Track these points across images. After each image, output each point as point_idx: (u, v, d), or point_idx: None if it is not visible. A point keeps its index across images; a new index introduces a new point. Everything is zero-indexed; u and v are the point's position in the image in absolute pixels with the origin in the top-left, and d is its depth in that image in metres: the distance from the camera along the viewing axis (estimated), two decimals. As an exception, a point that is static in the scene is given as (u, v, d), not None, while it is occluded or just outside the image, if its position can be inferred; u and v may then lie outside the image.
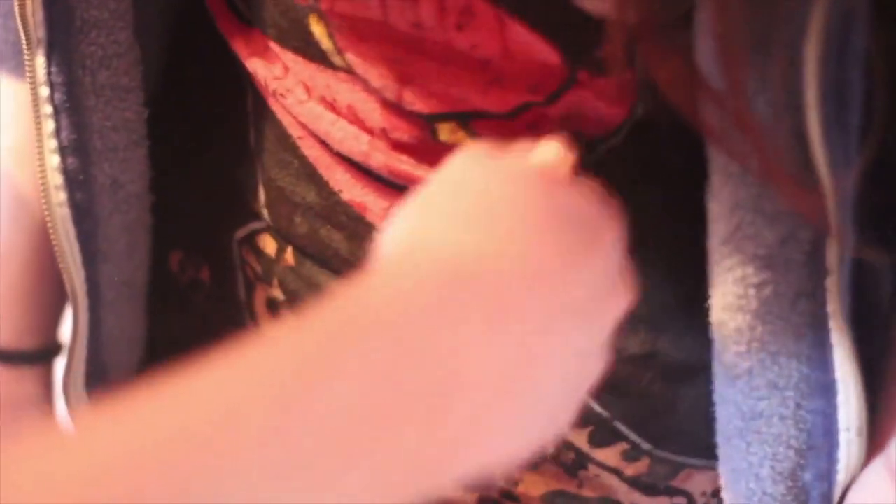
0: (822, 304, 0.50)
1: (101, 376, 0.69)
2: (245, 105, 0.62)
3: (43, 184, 0.60)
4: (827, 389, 0.52)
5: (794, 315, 0.51)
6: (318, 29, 0.54)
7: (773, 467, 0.53)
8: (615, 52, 0.48)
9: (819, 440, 0.53)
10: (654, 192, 0.55)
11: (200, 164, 0.66)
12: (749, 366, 0.52)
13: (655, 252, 0.56)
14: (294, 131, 0.59)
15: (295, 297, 0.62)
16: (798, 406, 0.52)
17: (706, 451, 0.60)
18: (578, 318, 0.45)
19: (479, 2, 0.49)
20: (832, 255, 0.49)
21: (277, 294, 0.63)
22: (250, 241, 0.64)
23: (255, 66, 0.59)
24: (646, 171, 0.54)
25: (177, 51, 0.64)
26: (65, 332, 0.70)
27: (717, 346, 0.52)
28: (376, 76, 0.53)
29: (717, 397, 0.54)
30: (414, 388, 0.39)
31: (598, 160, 0.54)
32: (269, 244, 0.63)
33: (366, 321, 0.39)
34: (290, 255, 0.62)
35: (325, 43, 0.54)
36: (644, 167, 0.54)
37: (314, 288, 0.61)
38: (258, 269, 0.64)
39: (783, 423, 0.53)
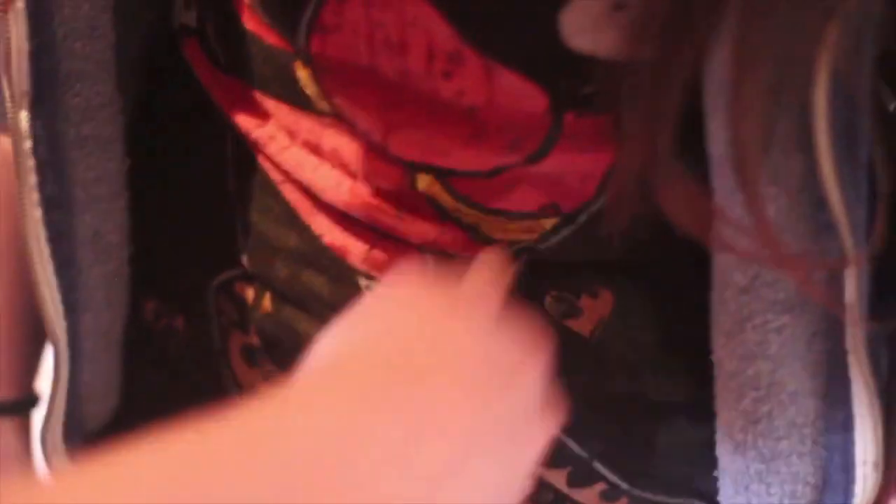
0: (838, 341, 0.51)
1: (78, 427, 0.69)
2: (225, 151, 0.62)
3: (27, 235, 0.60)
4: (844, 424, 0.53)
5: (811, 354, 0.51)
6: (303, 74, 0.54)
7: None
8: (607, 91, 0.48)
9: (836, 475, 0.54)
10: (640, 244, 0.55)
11: (177, 212, 0.66)
12: (769, 409, 0.52)
13: (636, 294, 0.56)
14: (276, 176, 0.59)
15: (272, 344, 0.62)
16: (815, 443, 0.53)
17: (685, 490, 0.60)
18: (492, 457, 0.46)
19: (468, 49, 0.50)
20: (851, 289, 0.50)
21: (254, 341, 0.63)
22: (227, 288, 0.64)
23: (237, 115, 0.59)
24: (632, 227, 0.55)
25: (154, 100, 0.65)
26: (41, 383, 0.69)
27: (734, 394, 0.53)
28: (362, 120, 0.54)
29: (727, 446, 0.54)
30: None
31: (577, 230, 0.55)
32: (246, 291, 0.63)
33: (272, 436, 0.40)
34: (268, 302, 0.62)
35: (311, 88, 0.55)
36: (629, 224, 0.55)
37: (292, 334, 0.61)
38: (234, 316, 0.64)
39: (801, 460, 0.53)
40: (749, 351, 0.52)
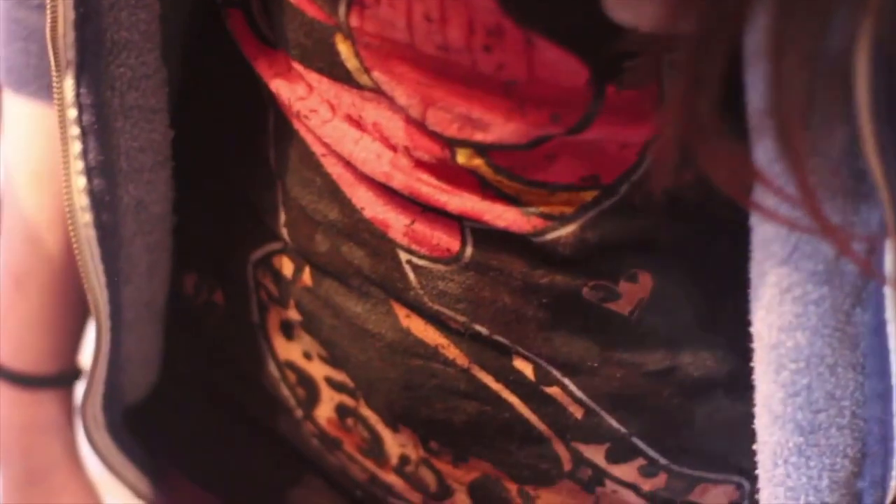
0: (877, 312, 0.51)
1: (117, 399, 0.70)
2: (266, 125, 0.62)
3: (69, 205, 0.60)
4: (883, 396, 0.53)
5: (850, 326, 0.51)
6: (344, 48, 0.54)
7: (830, 477, 0.54)
8: (648, 63, 0.48)
9: (874, 447, 0.54)
10: (677, 217, 0.55)
11: (218, 186, 0.66)
12: (808, 381, 0.52)
13: (676, 272, 0.56)
14: (317, 149, 0.59)
15: (311, 318, 0.63)
16: (854, 415, 0.53)
17: (723, 465, 0.60)
18: None
19: (508, 22, 0.50)
20: (891, 261, 0.50)
21: (293, 315, 0.64)
22: (266, 262, 0.64)
23: (279, 86, 0.59)
24: (671, 199, 0.55)
25: (197, 72, 0.65)
26: (84, 357, 0.70)
27: (773, 366, 0.53)
28: (402, 95, 0.54)
29: (766, 419, 0.54)
30: None
31: (620, 201, 0.55)
32: (285, 265, 0.63)
33: None
34: (307, 276, 0.62)
35: (352, 62, 0.55)
36: (670, 194, 0.55)
37: (331, 308, 0.61)
38: (273, 290, 0.64)
39: (840, 433, 0.53)
40: (788, 322, 0.51)
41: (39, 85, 0.65)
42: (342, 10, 0.53)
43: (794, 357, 0.52)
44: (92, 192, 0.60)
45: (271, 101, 0.61)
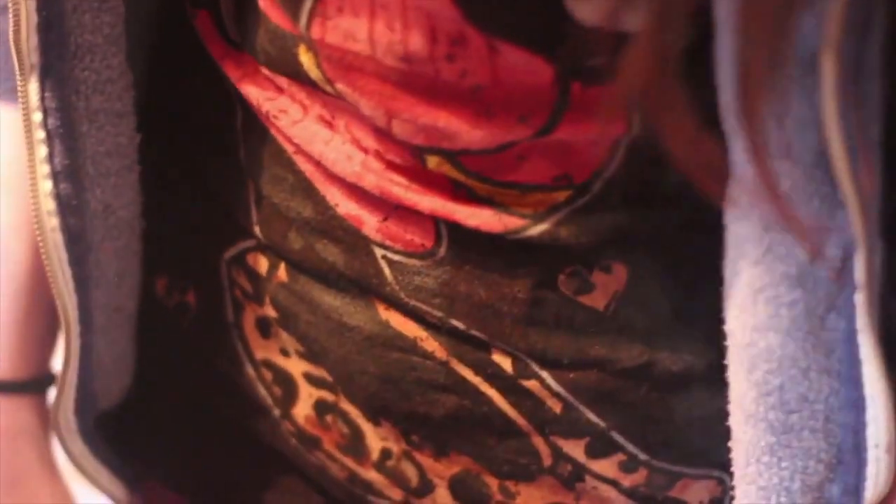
0: (852, 320, 0.51)
1: (90, 404, 0.69)
2: (234, 123, 0.62)
3: (35, 209, 0.59)
4: (856, 405, 0.53)
5: (823, 331, 0.51)
6: (306, 59, 0.54)
7: (803, 480, 0.54)
8: (612, 60, 0.48)
9: (848, 455, 0.54)
10: (651, 211, 0.55)
11: (187, 186, 0.66)
12: (780, 382, 0.52)
13: (651, 265, 0.56)
14: (288, 147, 0.59)
15: (288, 314, 0.62)
16: (827, 419, 0.53)
17: (703, 460, 0.60)
18: None
19: (471, 30, 0.49)
20: (861, 270, 0.50)
21: (269, 312, 0.63)
22: (240, 259, 0.64)
23: (247, 88, 0.59)
24: (644, 194, 0.55)
25: (162, 73, 0.65)
26: (56, 363, 0.69)
27: (746, 365, 0.53)
28: (365, 106, 0.53)
29: (739, 418, 0.54)
30: None
31: (593, 199, 0.54)
32: (260, 262, 0.63)
33: None
34: (282, 272, 0.62)
35: (315, 73, 0.54)
36: (642, 190, 0.55)
37: (308, 303, 0.61)
38: (248, 288, 0.64)
39: (813, 435, 0.53)
40: (761, 323, 0.51)
41: (4, 88, 0.64)
42: (304, 20, 0.52)
43: (766, 357, 0.52)
44: (58, 197, 0.59)
45: (239, 99, 0.60)
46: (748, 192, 0.48)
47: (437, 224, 0.57)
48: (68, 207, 0.60)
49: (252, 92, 0.58)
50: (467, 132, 0.52)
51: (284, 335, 0.63)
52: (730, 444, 0.55)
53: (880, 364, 0.52)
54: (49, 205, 0.59)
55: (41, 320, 0.68)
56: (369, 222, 0.58)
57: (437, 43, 0.50)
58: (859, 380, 0.52)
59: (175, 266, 0.68)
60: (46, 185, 0.59)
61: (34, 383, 0.70)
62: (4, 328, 0.68)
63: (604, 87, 0.51)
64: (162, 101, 0.65)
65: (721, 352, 0.54)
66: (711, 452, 0.59)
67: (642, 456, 0.59)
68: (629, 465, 0.60)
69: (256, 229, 0.62)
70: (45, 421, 0.70)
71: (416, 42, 0.50)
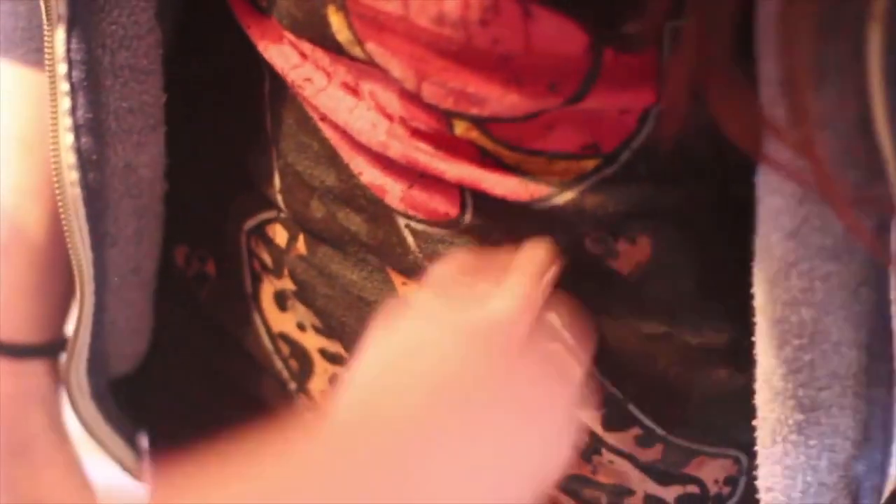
0: (883, 292, 0.50)
1: (102, 366, 0.69)
2: (262, 89, 0.61)
3: (56, 162, 0.60)
4: (887, 380, 0.53)
5: (856, 304, 0.51)
6: (336, 19, 0.54)
7: (830, 458, 0.54)
8: (649, 27, 0.48)
9: (875, 431, 0.53)
10: (678, 184, 0.55)
11: (211, 154, 0.66)
12: (811, 358, 0.52)
13: (676, 239, 0.56)
14: (315, 114, 0.59)
15: (305, 288, 0.62)
16: (856, 395, 0.53)
17: (721, 439, 0.60)
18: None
19: None
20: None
21: (287, 285, 0.63)
22: (260, 231, 0.64)
23: (272, 54, 0.59)
24: (671, 167, 0.54)
25: (191, 37, 0.64)
26: (71, 325, 0.69)
27: (776, 341, 0.52)
28: (396, 68, 0.53)
29: (767, 394, 0.54)
30: None
31: (620, 169, 0.54)
32: (279, 233, 0.63)
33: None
34: (301, 244, 0.62)
35: (344, 34, 0.54)
36: (669, 163, 0.54)
37: (326, 277, 0.61)
38: (267, 260, 0.64)
39: (842, 412, 0.53)
40: (793, 298, 0.51)
41: (28, 48, 0.64)
42: None
43: (797, 333, 0.52)
44: (79, 151, 0.59)
45: (266, 66, 0.60)
46: (787, 161, 0.48)
47: (463, 193, 0.56)
48: (89, 162, 0.60)
49: (277, 59, 0.58)
50: (497, 99, 0.52)
51: (302, 309, 0.63)
52: (754, 422, 0.55)
53: None
54: (70, 158, 0.59)
55: (56, 285, 0.68)
56: (393, 191, 0.57)
57: (471, 7, 0.50)
58: (889, 354, 0.52)
59: (195, 235, 0.68)
60: (68, 139, 0.59)
61: (48, 347, 0.69)
62: (19, 291, 0.67)
63: (637, 56, 0.51)
64: (191, 63, 0.65)
65: (744, 328, 0.54)
66: (729, 431, 0.59)
67: (659, 431, 0.59)
68: (646, 440, 0.59)
69: (279, 198, 0.62)
70: (58, 387, 0.70)
71: (450, 4, 0.50)
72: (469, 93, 0.52)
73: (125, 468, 0.74)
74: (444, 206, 0.57)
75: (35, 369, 0.69)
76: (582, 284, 0.57)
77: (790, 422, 0.53)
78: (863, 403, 0.53)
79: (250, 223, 0.64)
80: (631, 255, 0.56)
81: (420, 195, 0.57)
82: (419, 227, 0.58)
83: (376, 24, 0.52)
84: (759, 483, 0.56)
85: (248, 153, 0.63)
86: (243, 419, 0.69)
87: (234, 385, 0.69)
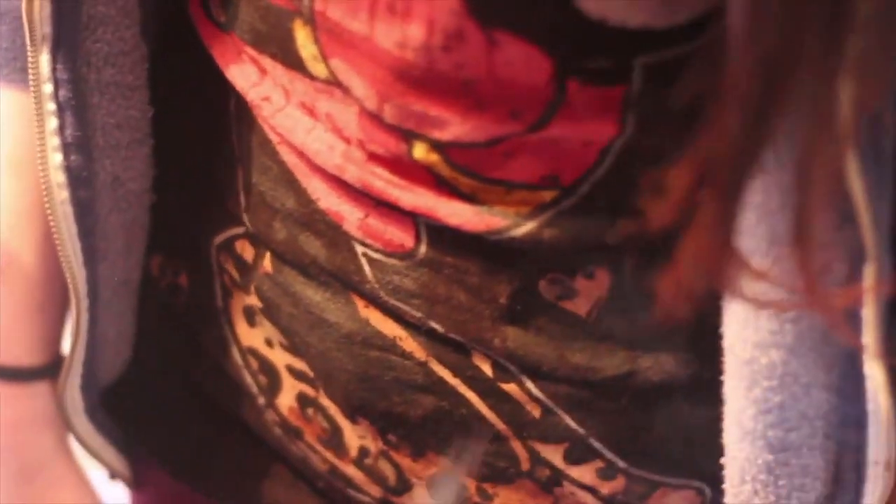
0: (857, 336, 0.49)
1: (94, 379, 0.68)
2: (228, 107, 0.61)
3: (45, 182, 0.59)
4: (857, 422, 0.52)
5: (826, 346, 0.50)
6: (302, 34, 0.53)
7: (799, 499, 0.53)
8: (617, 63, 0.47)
9: (847, 473, 0.53)
10: (638, 217, 0.54)
11: (186, 167, 0.65)
12: (781, 399, 0.51)
13: (636, 273, 0.55)
14: (273, 136, 0.58)
15: (271, 305, 0.62)
16: (827, 436, 0.52)
17: (683, 470, 0.59)
18: None
19: (471, 25, 0.48)
20: (869, 275, 0.48)
21: (254, 301, 0.63)
22: (228, 246, 0.63)
23: (233, 74, 0.58)
24: (632, 199, 0.53)
25: (169, 52, 0.64)
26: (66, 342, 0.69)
27: (745, 382, 0.51)
28: (359, 86, 0.52)
29: (735, 435, 0.53)
30: None
31: (579, 201, 0.53)
32: (247, 250, 0.62)
33: None
34: (268, 262, 0.61)
35: (309, 49, 0.53)
36: (631, 195, 0.53)
37: (290, 296, 0.61)
38: (235, 275, 0.64)
39: (812, 453, 0.52)
40: (763, 339, 0.50)
41: (12, 68, 0.64)
42: None
43: (767, 374, 0.51)
44: (69, 169, 0.59)
45: (232, 85, 0.60)
46: (767, 280, 0.47)
47: (418, 224, 0.56)
48: (78, 179, 0.59)
49: (238, 78, 0.58)
50: (458, 123, 0.51)
51: (269, 325, 0.63)
52: (722, 460, 0.54)
53: (884, 380, 0.50)
54: (59, 177, 0.59)
55: (56, 303, 0.68)
56: (350, 218, 0.57)
57: (434, 33, 0.49)
58: (860, 396, 0.51)
59: (169, 246, 0.68)
60: (56, 158, 0.59)
61: (50, 368, 0.69)
62: (19, 315, 0.67)
63: (602, 88, 0.50)
64: (170, 77, 0.64)
65: (704, 360, 0.53)
66: (691, 462, 0.59)
67: (621, 464, 0.59)
68: (607, 473, 0.59)
69: (244, 217, 0.62)
70: (61, 406, 0.70)
71: (414, 28, 0.49)
72: (431, 116, 0.52)
73: (117, 475, 0.74)
74: (399, 236, 0.56)
75: (40, 391, 0.69)
76: (538, 333, 0.56)
77: (759, 461, 0.53)
78: (833, 444, 0.52)
79: (220, 238, 0.64)
80: (589, 291, 0.55)
81: (376, 224, 0.56)
82: (376, 255, 0.57)
83: (342, 42, 0.52)
84: None
85: (217, 170, 0.63)
86: (217, 429, 0.70)
87: (208, 396, 0.69)
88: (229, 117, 0.61)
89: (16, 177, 0.65)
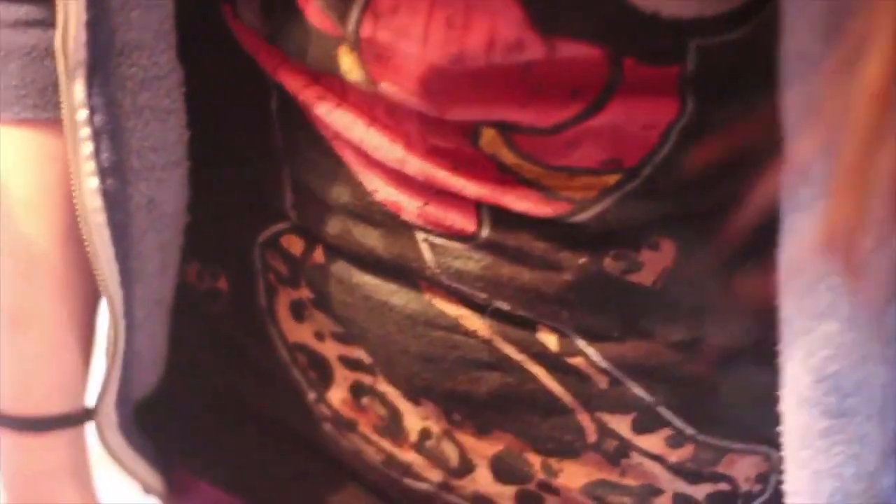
0: None
1: (128, 396, 0.68)
2: (269, 108, 0.61)
3: (80, 207, 0.59)
4: None
5: (884, 320, 0.50)
6: (347, 60, 0.54)
7: (856, 467, 0.53)
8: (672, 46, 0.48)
9: None
10: (703, 194, 0.55)
11: (220, 174, 0.65)
12: (837, 368, 0.51)
13: (700, 240, 0.55)
14: (327, 133, 0.58)
15: (324, 296, 0.61)
16: (883, 408, 0.52)
17: (750, 435, 0.59)
18: None
19: (531, 34, 0.49)
20: None
21: (305, 294, 0.62)
22: (274, 242, 0.63)
23: (284, 77, 0.58)
24: (695, 179, 0.54)
25: (195, 59, 0.64)
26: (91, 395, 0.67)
27: (802, 351, 0.52)
28: (414, 102, 0.53)
29: (792, 402, 0.53)
30: None
31: (642, 184, 0.54)
32: (294, 243, 0.62)
33: None
34: (319, 254, 0.61)
35: (356, 73, 0.54)
36: (693, 175, 0.54)
37: (346, 285, 0.60)
38: (283, 270, 0.63)
39: (868, 422, 0.52)
40: (821, 310, 0.51)
41: (22, 106, 0.62)
42: (353, 18, 0.52)
43: (824, 344, 0.51)
44: (105, 192, 0.59)
45: (274, 84, 0.60)
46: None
47: (479, 209, 0.56)
48: (115, 203, 0.59)
49: (289, 81, 0.58)
50: (520, 107, 0.52)
51: (320, 317, 0.62)
52: (780, 428, 0.54)
53: None
54: (95, 202, 0.59)
55: (76, 349, 0.67)
56: (408, 208, 0.57)
57: (495, 46, 0.49)
58: None
59: (207, 252, 0.67)
60: (92, 182, 0.58)
61: (69, 418, 0.67)
62: (38, 363, 0.65)
63: (656, 67, 0.50)
64: (195, 87, 0.64)
65: (770, 325, 0.53)
66: (759, 427, 0.59)
67: (689, 431, 0.59)
68: (676, 440, 0.59)
69: (292, 214, 0.61)
70: (85, 457, 0.68)
71: (474, 41, 0.49)
72: (492, 107, 0.52)
73: (150, 491, 0.74)
74: (459, 221, 0.56)
75: (58, 442, 0.67)
76: (604, 304, 0.56)
77: (816, 427, 0.53)
78: (889, 417, 0.53)
79: (264, 235, 0.64)
80: (655, 262, 0.56)
81: (436, 211, 0.57)
82: (437, 240, 0.57)
83: (390, 66, 0.52)
84: (786, 487, 0.55)
85: (258, 171, 0.62)
86: (259, 434, 0.69)
87: (248, 400, 0.69)
88: (271, 116, 0.61)
89: (34, 217, 0.64)
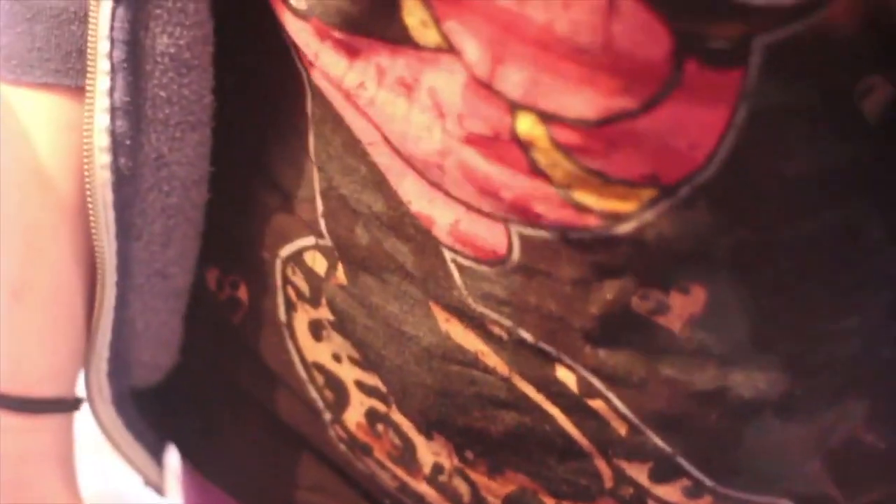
0: None
1: (124, 372, 0.66)
2: (303, 109, 0.59)
3: (87, 144, 0.58)
4: None
5: None
6: (410, 2, 0.51)
7: None
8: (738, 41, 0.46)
9: None
10: (738, 226, 0.53)
11: (248, 174, 0.64)
12: None
13: (732, 286, 0.54)
14: (364, 136, 0.57)
15: (344, 318, 0.60)
16: None
17: (771, 488, 0.58)
18: None
19: None
20: None
21: (325, 315, 0.61)
22: (297, 258, 0.62)
23: (324, 62, 0.56)
24: (733, 208, 0.52)
25: (230, 59, 0.62)
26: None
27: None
28: (473, 48, 0.51)
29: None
30: None
31: (678, 204, 0.52)
32: (318, 262, 0.61)
33: None
34: (341, 273, 0.60)
35: (417, 14, 0.51)
36: (732, 203, 0.52)
37: (366, 308, 0.59)
38: (304, 288, 0.62)
39: None
40: None
41: (45, 70, 0.61)
42: None
43: None
44: (113, 133, 0.58)
45: (310, 83, 0.58)
46: None
47: (510, 231, 0.54)
48: (122, 146, 0.58)
49: (330, 66, 0.56)
50: (570, 93, 0.50)
51: (338, 339, 0.61)
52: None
53: None
54: (103, 140, 0.58)
55: (73, 331, 0.65)
56: (440, 223, 0.56)
57: None
58: None
59: (228, 259, 0.66)
60: (103, 120, 0.58)
61: (61, 403, 0.65)
62: (35, 341, 0.63)
63: (721, 72, 0.48)
64: (233, 92, 0.62)
65: (796, 376, 0.52)
66: (780, 480, 0.58)
67: (708, 482, 0.57)
68: (694, 491, 0.58)
69: (321, 222, 0.60)
70: (70, 446, 0.67)
71: None
72: (542, 82, 0.50)
73: (148, 481, 0.72)
74: (490, 242, 0.55)
75: (47, 426, 0.65)
76: (628, 344, 0.55)
77: None
78: None
79: (287, 249, 0.62)
80: (683, 307, 0.54)
81: (467, 229, 0.55)
82: (466, 262, 0.56)
83: (457, 3, 0.50)
84: None
85: (288, 175, 0.61)
86: (274, 446, 0.68)
87: (264, 411, 0.68)
88: (304, 120, 0.59)
89: (42, 189, 0.62)
